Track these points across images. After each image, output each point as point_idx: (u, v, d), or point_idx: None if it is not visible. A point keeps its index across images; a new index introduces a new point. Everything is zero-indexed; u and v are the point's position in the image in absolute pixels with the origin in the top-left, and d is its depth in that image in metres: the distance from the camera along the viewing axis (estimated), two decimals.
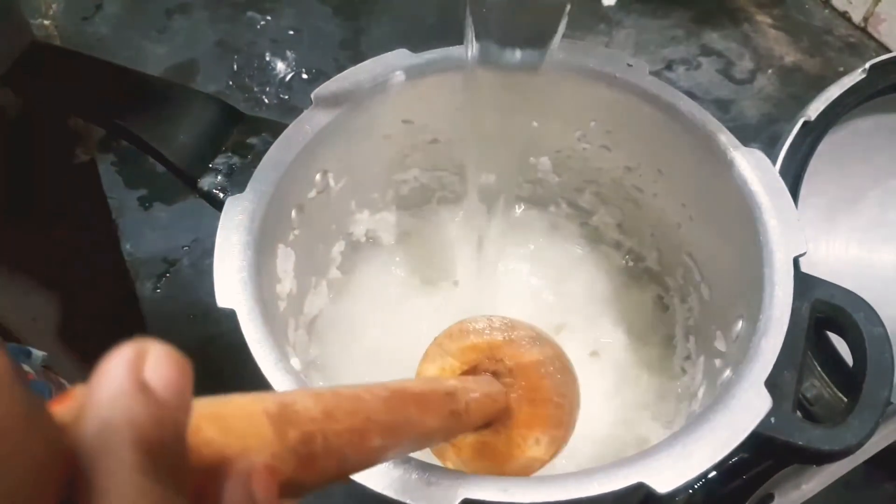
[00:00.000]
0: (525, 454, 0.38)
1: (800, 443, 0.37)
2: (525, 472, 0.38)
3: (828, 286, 0.42)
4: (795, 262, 0.41)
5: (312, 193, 0.50)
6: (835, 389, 0.51)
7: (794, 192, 0.56)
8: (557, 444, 0.38)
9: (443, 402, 0.31)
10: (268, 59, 0.79)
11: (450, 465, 0.39)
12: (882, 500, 0.56)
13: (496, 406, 0.37)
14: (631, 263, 0.58)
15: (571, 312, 0.56)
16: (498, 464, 0.38)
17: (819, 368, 0.51)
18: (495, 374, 0.38)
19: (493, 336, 0.39)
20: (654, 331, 0.55)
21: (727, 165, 0.45)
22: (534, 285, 0.58)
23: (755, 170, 0.44)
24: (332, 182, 0.51)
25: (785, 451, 0.37)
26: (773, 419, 0.36)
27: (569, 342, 0.54)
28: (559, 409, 0.38)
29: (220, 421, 0.20)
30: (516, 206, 0.61)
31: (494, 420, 0.37)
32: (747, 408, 0.36)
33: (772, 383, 0.36)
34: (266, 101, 0.76)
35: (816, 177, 0.58)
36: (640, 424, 0.51)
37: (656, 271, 0.57)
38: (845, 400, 0.49)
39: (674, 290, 0.55)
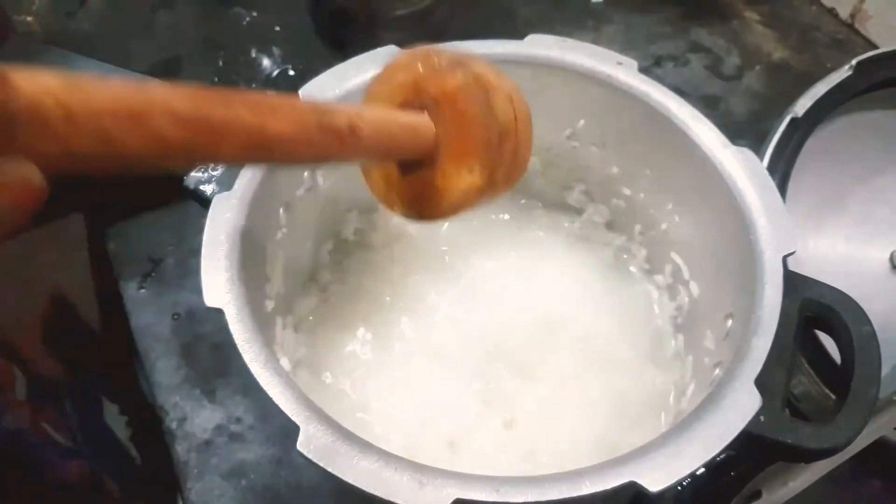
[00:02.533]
0: (460, 184, 0.36)
1: (789, 441, 0.37)
2: (465, 202, 0.37)
3: (816, 285, 0.42)
4: (784, 261, 0.41)
5: (300, 192, 0.49)
6: (822, 386, 0.51)
7: (782, 190, 0.56)
8: (492, 168, 0.36)
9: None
10: (254, 55, 0.78)
11: (383, 203, 0.40)
12: (869, 496, 0.56)
13: (417, 138, 0.36)
14: (619, 261, 0.58)
15: (560, 308, 0.56)
16: (435, 199, 0.37)
17: (807, 365, 0.51)
18: (423, 109, 0.37)
19: (417, 69, 0.37)
20: (643, 328, 0.55)
21: (717, 164, 0.45)
22: (524, 280, 0.57)
23: (745, 169, 0.44)
24: (320, 180, 0.51)
25: (774, 449, 0.37)
26: (762, 418, 0.36)
27: (558, 337, 0.54)
28: (487, 131, 0.36)
29: None
30: (501, 201, 0.61)
31: (424, 154, 0.36)
32: (738, 407, 0.36)
33: (761, 382, 0.37)
34: None
35: (804, 174, 0.58)
36: (630, 419, 0.51)
37: (645, 269, 0.57)
38: (832, 397, 0.49)
39: (662, 289, 0.55)
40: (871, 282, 0.62)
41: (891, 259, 0.62)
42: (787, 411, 0.38)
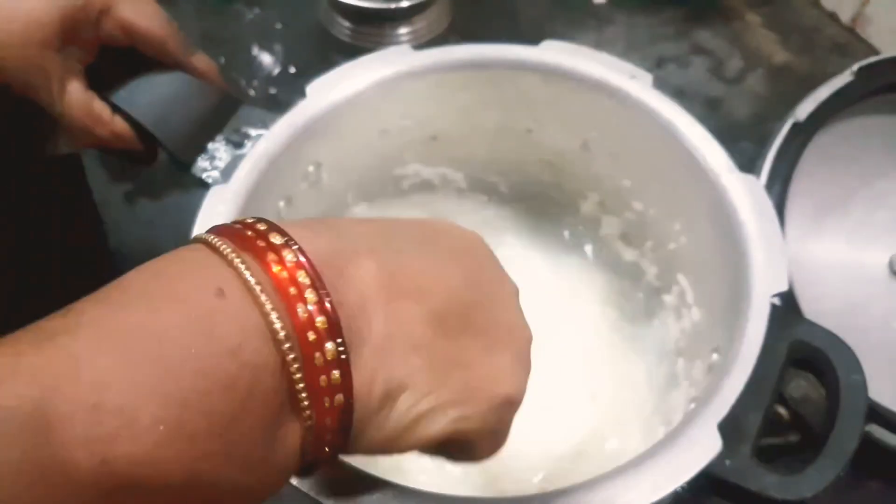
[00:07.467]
0: None
1: (752, 489, 0.35)
2: None
3: (810, 326, 0.40)
4: (775, 299, 0.39)
5: (304, 185, 0.49)
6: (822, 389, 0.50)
7: (783, 194, 0.56)
8: None
9: None
10: (255, 53, 0.78)
11: None
12: (867, 499, 0.56)
13: None
14: (631, 276, 0.57)
15: (564, 316, 0.56)
16: None
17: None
18: None
19: None
20: (648, 346, 0.54)
21: (721, 190, 0.44)
22: (527, 283, 0.57)
23: (748, 197, 0.43)
24: (324, 175, 0.50)
25: (736, 494, 0.36)
26: (728, 461, 0.35)
27: (561, 346, 0.54)
28: None
29: None
30: (516, 205, 0.61)
31: None
32: (696, 447, 0.34)
33: (733, 424, 0.35)
34: (253, 95, 0.75)
35: (805, 178, 0.58)
36: (616, 438, 0.51)
37: (655, 287, 0.55)
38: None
39: (669, 309, 0.53)
40: (870, 285, 0.62)
41: (890, 263, 0.62)
42: (755, 457, 0.36)
